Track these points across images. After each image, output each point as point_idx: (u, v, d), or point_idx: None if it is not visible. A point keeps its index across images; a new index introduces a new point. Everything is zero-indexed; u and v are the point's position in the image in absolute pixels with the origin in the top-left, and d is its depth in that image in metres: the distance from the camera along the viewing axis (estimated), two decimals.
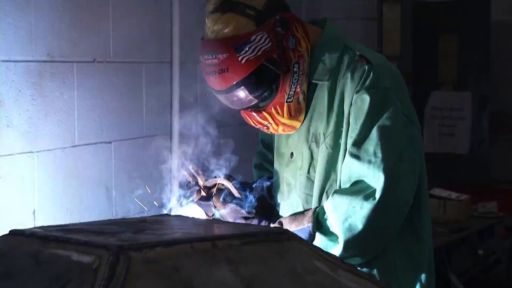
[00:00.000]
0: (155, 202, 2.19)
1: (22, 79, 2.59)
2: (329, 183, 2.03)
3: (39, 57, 2.66)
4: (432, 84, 6.32)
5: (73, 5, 2.82)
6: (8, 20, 2.53)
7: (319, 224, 1.98)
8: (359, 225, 1.92)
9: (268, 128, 2.08)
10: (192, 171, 2.13)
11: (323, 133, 2.03)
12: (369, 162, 1.94)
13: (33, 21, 2.62)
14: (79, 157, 2.86)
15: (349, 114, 1.99)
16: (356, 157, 1.96)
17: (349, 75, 2.00)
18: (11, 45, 2.54)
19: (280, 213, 2.14)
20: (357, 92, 1.98)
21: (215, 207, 2.12)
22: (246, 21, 1.93)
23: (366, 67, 1.99)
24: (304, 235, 1.93)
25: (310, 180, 2.06)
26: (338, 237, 1.95)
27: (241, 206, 2.10)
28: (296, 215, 2.03)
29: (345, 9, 4.76)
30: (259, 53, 1.93)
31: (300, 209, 2.07)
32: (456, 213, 4.65)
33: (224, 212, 2.11)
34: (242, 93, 1.96)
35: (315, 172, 2.05)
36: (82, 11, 2.86)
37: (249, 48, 1.92)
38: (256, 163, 2.36)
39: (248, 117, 2.08)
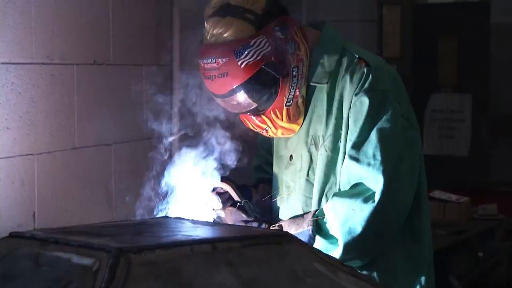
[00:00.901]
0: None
1: (22, 81, 2.60)
2: (329, 185, 2.03)
3: (39, 59, 2.67)
4: (432, 86, 6.31)
5: (73, 7, 2.82)
6: (8, 22, 2.53)
7: (319, 227, 1.98)
8: (358, 227, 1.93)
9: (267, 131, 2.08)
10: (192, 175, 2.13)
11: (322, 136, 2.03)
12: (369, 164, 1.94)
13: (33, 23, 2.63)
14: (79, 159, 2.86)
15: (348, 116, 1.99)
16: (356, 159, 1.96)
17: (348, 77, 2.01)
18: (11, 47, 2.54)
19: (280, 216, 2.14)
20: (356, 94, 1.98)
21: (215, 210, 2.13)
22: (245, 26, 1.93)
23: (365, 70, 2.00)
24: (304, 238, 1.93)
25: (309, 182, 2.06)
26: (338, 240, 1.95)
27: (241, 209, 2.11)
28: (295, 218, 2.03)
29: (345, 11, 4.76)
30: (259, 57, 1.93)
31: (300, 211, 2.07)
32: (456, 216, 4.65)
33: (224, 215, 2.11)
34: (241, 97, 1.97)
35: (314, 174, 2.05)
36: (82, 13, 2.86)
37: (248, 52, 1.92)
38: (255, 165, 2.36)
39: (247, 121, 2.08)
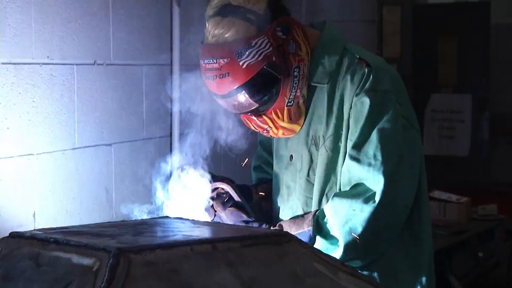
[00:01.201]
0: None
1: (22, 81, 2.60)
2: (329, 185, 2.03)
3: (39, 59, 2.67)
4: (432, 87, 6.32)
5: (74, 7, 2.82)
6: (9, 22, 2.53)
7: (319, 227, 1.98)
8: (359, 228, 1.93)
9: (268, 132, 2.08)
10: (192, 175, 2.13)
11: (323, 136, 2.03)
12: (369, 165, 1.94)
13: (33, 23, 2.63)
14: (79, 159, 2.86)
15: (348, 117, 1.99)
16: (356, 159, 1.96)
17: (348, 78, 2.01)
18: (11, 48, 2.54)
19: (280, 216, 2.14)
20: (357, 95, 1.98)
21: (215, 211, 2.13)
22: (247, 26, 1.93)
23: (366, 70, 2.00)
24: (304, 239, 1.93)
25: (309, 183, 2.06)
26: (338, 241, 1.95)
27: (241, 209, 2.10)
28: (296, 219, 2.03)
29: (345, 11, 4.76)
30: (260, 57, 1.93)
31: (300, 212, 2.07)
32: (456, 216, 4.65)
33: (225, 216, 2.11)
34: (242, 97, 1.97)
35: (314, 175, 2.05)
36: (82, 13, 2.86)
37: (250, 52, 1.92)
38: (255, 166, 2.36)
39: (248, 121, 2.08)
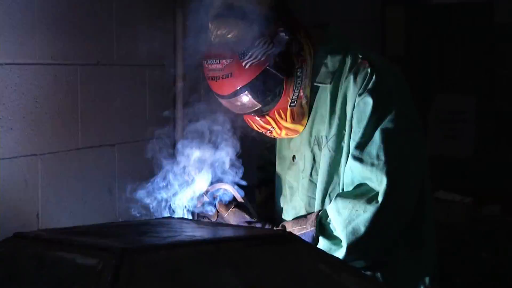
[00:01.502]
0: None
1: (26, 82, 2.60)
2: (332, 186, 2.03)
3: (42, 59, 2.67)
4: (435, 87, 6.31)
5: (77, 7, 2.82)
6: (12, 23, 2.53)
7: (322, 228, 1.98)
8: (362, 228, 1.92)
9: (271, 132, 2.08)
10: (194, 176, 2.13)
11: (326, 136, 2.03)
12: (372, 165, 1.94)
13: (36, 23, 2.63)
14: (83, 160, 2.86)
15: (351, 117, 1.99)
16: (359, 160, 1.96)
17: (351, 78, 2.01)
18: (14, 48, 2.54)
19: (283, 217, 2.14)
20: (360, 95, 1.98)
21: (218, 212, 2.12)
22: (249, 26, 1.93)
23: (369, 70, 2.00)
24: (307, 239, 1.93)
25: (312, 183, 2.06)
26: (341, 241, 1.95)
27: (244, 210, 2.10)
28: (299, 219, 2.03)
29: (348, 11, 4.76)
30: (263, 58, 1.93)
31: (303, 212, 2.07)
32: (460, 216, 4.65)
33: (227, 216, 2.11)
34: (245, 98, 1.97)
35: (317, 175, 2.05)
36: (85, 13, 2.87)
37: (252, 53, 1.92)
38: (259, 165, 2.36)
39: (251, 122, 2.08)
